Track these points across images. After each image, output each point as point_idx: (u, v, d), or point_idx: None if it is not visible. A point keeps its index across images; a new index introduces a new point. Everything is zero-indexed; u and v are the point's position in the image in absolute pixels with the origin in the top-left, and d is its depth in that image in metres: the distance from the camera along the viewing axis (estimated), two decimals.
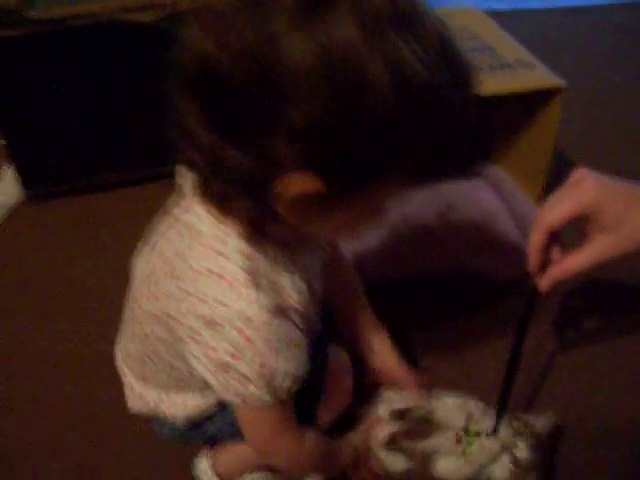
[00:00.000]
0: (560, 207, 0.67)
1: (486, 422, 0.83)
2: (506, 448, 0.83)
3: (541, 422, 0.89)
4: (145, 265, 0.69)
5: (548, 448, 0.90)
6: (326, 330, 0.78)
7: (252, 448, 0.75)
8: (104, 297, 1.15)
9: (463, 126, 0.52)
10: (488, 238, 1.17)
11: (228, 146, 0.48)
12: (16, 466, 0.92)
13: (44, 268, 1.24)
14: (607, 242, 0.67)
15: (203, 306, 0.57)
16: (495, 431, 0.82)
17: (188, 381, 0.70)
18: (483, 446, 0.82)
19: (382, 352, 0.91)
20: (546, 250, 0.71)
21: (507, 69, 1.19)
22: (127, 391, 0.79)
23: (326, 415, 0.82)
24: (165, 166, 0.65)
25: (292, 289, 0.62)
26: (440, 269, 1.17)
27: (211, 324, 0.57)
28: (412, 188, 0.55)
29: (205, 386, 0.65)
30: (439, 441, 0.82)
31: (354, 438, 0.86)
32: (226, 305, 0.56)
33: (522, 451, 0.83)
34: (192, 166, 0.55)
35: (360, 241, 1.11)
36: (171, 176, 0.66)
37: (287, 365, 0.60)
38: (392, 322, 0.94)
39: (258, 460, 0.84)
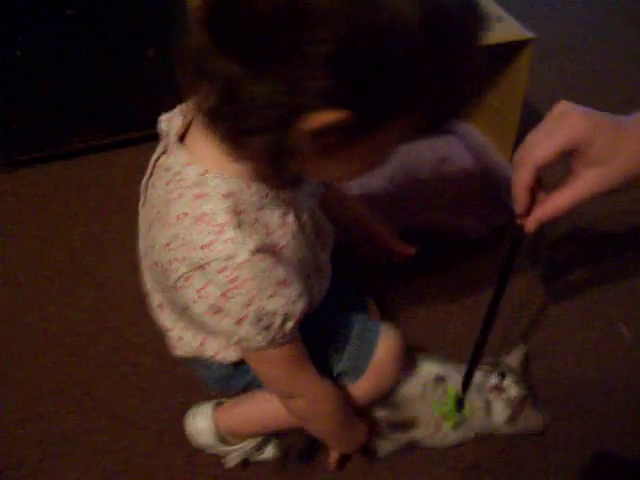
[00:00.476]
0: (548, 142, 0.63)
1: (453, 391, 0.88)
2: (492, 396, 0.87)
3: (512, 357, 0.93)
4: (142, 218, 0.69)
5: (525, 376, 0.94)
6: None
7: (272, 393, 0.76)
8: (74, 264, 1.16)
9: (475, 69, 0.53)
10: (459, 195, 1.18)
11: (251, 77, 0.47)
12: None
13: (15, 236, 1.23)
14: (596, 176, 0.64)
15: (189, 251, 0.57)
16: (468, 379, 0.84)
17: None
18: (463, 418, 0.88)
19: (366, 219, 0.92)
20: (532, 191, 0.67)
21: None
22: (167, 334, 0.78)
23: (362, 399, 0.84)
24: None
25: (280, 226, 0.62)
26: (412, 226, 1.17)
27: (197, 268, 0.57)
28: (412, 136, 0.56)
29: None
30: (420, 432, 0.88)
31: None
32: (209, 248, 0.57)
33: (511, 389, 0.87)
34: (201, 103, 0.53)
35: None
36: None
37: (274, 304, 0.60)
38: (367, 281, 0.95)
39: (264, 422, 0.85)
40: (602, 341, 1.04)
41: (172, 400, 0.94)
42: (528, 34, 1.16)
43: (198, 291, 0.59)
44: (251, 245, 0.57)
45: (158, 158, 0.65)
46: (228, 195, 0.58)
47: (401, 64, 0.47)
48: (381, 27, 0.45)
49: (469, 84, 0.54)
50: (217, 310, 0.59)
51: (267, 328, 0.61)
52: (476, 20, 0.51)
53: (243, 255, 0.57)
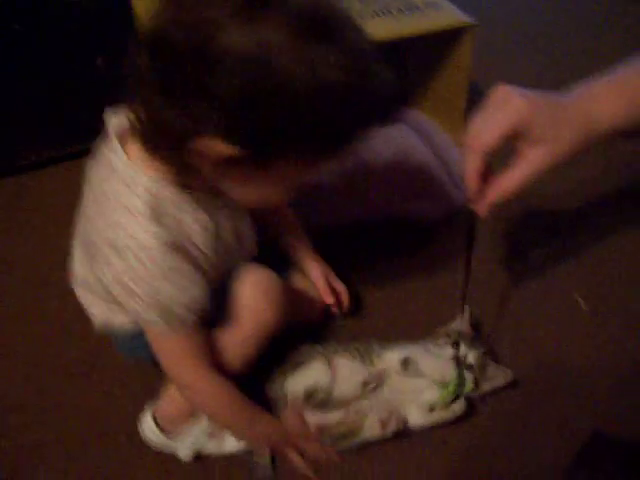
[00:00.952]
0: (493, 126, 0.66)
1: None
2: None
3: (459, 320, 0.94)
4: (85, 197, 0.76)
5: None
6: None
7: (170, 379, 0.83)
8: (35, 274, 1.15)
9: (364, 127, 0.62)
10: (412, 181, 1.20)
11: (163, 102, 0.57)
12: None
13: None
14: (540, 155, 0.67)
15: (114, 234, 0.67)
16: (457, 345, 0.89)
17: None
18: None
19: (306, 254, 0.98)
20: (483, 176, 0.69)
21: (416, 11, 1.20)
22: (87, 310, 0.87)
23: (243, 345, 0.83)
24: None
25: (196, 229, 0.72)
26: (369, 216, 1.19)
27: (117, 249, 0.67)
28: (312, 172, 0.66)
29: None
30: (367, 432, 0.87)
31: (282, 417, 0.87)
32: (130, 234, 0.66)
33: (469, 356, 0.88)
34: (136, 114, 0.63)
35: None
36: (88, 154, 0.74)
37: (177, 293, 0.69)
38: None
39: (194, 408, 0.85)
40: (561, 312, 1.08)
41: (142, 402, 0.94)
42: (468, 20, 1.19)
43: (116, 270, 0.68)
44: (166, 239, 0.67)
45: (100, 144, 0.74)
46: (153, 193, 0.67)
47: (284, 118, 0.56)
48: (271, 89, 0.54)
49: (352, 131, 0.62)
50: (128, 289, 0.68)
51: (169, 313, 0.70)
52: (365, 86, 0.58)
53: (157, 246, 0.67)
